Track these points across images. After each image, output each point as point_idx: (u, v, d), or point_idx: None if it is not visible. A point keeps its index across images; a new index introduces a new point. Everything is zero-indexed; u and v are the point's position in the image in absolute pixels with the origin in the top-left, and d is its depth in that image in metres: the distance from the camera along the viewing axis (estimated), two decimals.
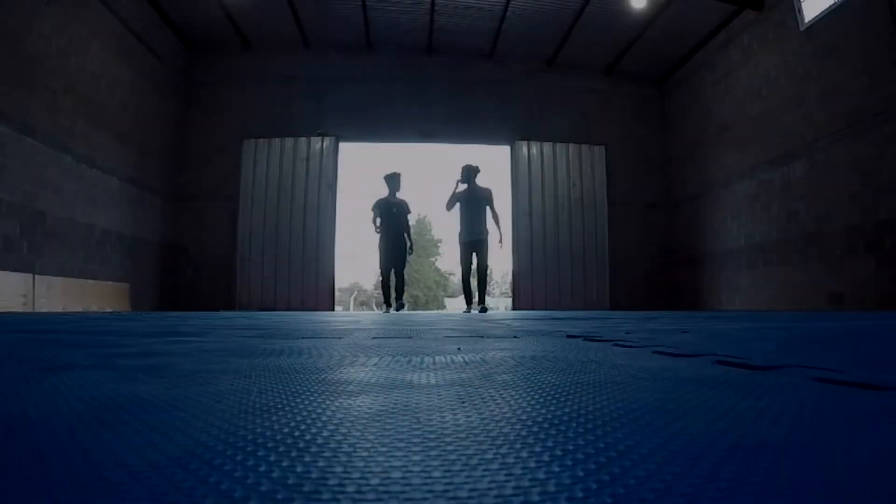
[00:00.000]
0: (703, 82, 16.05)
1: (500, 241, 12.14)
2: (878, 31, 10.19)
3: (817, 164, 11.79)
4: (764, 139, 13.47)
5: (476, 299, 12.45)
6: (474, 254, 11.99)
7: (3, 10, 9.49)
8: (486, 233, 11.96)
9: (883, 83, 10.19)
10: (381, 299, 12.56)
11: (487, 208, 12.11)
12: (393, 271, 12.58)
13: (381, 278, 12.91)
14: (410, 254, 12.75)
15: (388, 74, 17.06)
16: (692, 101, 16.64)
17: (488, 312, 11.29)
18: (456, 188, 12.08)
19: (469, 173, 11.92)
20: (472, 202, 11.90)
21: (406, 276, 12.73)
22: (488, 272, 12.71)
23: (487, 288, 12.77)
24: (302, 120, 16.70)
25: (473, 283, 12.49)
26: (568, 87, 17.42)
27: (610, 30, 15.50)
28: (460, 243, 12.11)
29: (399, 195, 12.49)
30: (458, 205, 12.14)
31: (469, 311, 11.68)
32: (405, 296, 13.51)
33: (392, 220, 12.26)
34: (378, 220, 12.30)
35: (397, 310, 12.41)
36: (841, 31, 11.13)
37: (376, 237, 12.43)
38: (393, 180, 12.49)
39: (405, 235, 12.55)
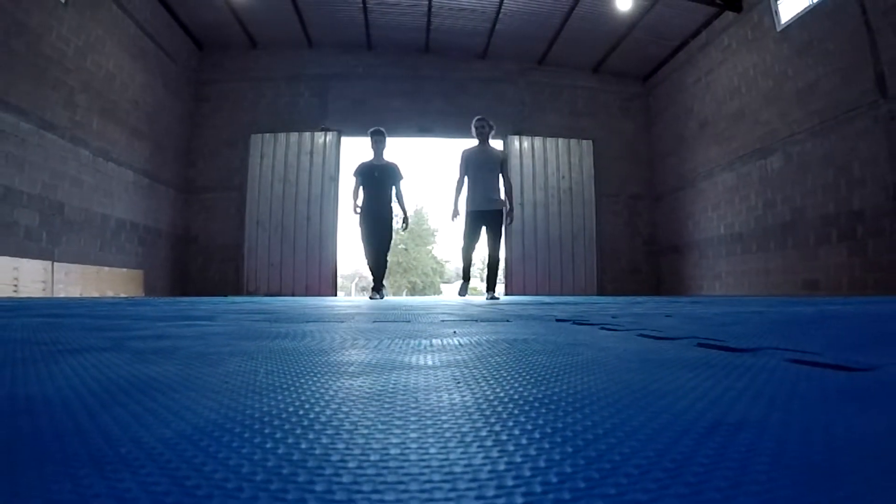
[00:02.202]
0: (686, 80, 16.08)
1: (510, 217, 9.61)
2: (850, 31, 10.21)
3: (793, 157, 11.83)
4: (743, 134, 13.52)
5: (475, 286, 9.97)
6: (484, 228, 9.42)
7: (23, 11, 9.51)
8: (503, 205, 9.49)
9: (855, 81, 10.21)
10: (378, 285, 10.49)
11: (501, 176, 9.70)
12: (378, 248, 10.13)
13: (367, 260, 10.36)
14: (405, 228, 10.60)
15: (387, 73, 17.12)
16: (675, 98, 16.68)
17: (498, 300, 8.73)
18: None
19: (483, 128, 9.54)
20: (485, 165, 9.47)
21: (390, 259, 10.42)
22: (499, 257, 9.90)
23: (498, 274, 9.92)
24: (306, 116, 16.75)
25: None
26: (557, 84, 17.46)
27: (597, 30, 15.52)
28: (467, 213, 9.49)
29: (387, 157, 10.11)
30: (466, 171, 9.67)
31: (465, 294, 9.73)
32: (388, 282, 11.27)
33: (374, 187, 9.92)
34: (360, 189, 9.99)
35: (379, 297, 9.99)
36: (815, 31, 11.15)
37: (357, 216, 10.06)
38: (374, 139, 10.04)
39: (391, 206, 10.13)
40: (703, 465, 0.45)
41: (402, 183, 10.10)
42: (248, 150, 16.39)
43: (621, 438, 0.54)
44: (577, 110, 17.56)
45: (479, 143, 9.57)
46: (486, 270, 9.80)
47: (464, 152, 9.60)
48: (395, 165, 10.09)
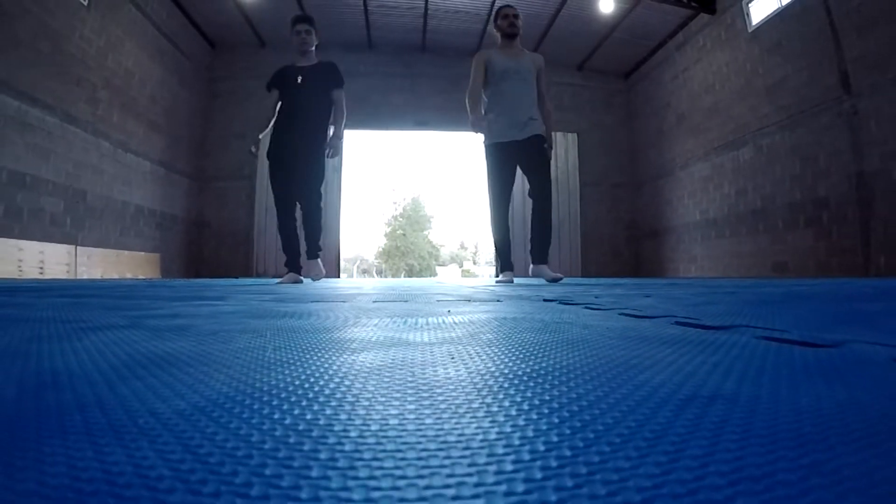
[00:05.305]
0: (664, 77, 16.13)
1: (548, 149, 6.11)
2: (816, 32, 10.23)
3: (763, 149, 11.88)
4: (716, 127, 13.58)
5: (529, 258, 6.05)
6: (518, 168, 6.14)
7: (48, 13, 9.55)
8: (543, 127, 6.17)
9: (820, 78, 10.25)
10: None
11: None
12: (297, 202, 6.41)
13: (279, 221, 6.49)
14: (332, 155, 6.37)
15: (386, 71, 17.19)
16: (654, 94, 16.73)
17: (561, 278, 6.16)
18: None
19: (513, 18, 6.20)
20: (515, 72, 6.10)
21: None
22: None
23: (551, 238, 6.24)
24: None
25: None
26: None
27: (581, 31, 15.56)
28: (489, 147, 6.14)
29: (317, 56, 6.62)
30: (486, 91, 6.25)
31: (508, 279, 6.21)
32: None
33: (298, 97, 6.31)
34: (275, 109, 6.52)
35: (311, 277, 6.62)
36: (784, 32, 11.18)
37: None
38: (295, 29, 6.46)
39: (324, 128, 6.44)
40: (680, 435, 0.45)
41: (341, 92, 6.52)
42: (256, 142, 16.43)
43: (604, 410, 0.54)
44: (562, 105, 17.58)
45: (503, 40, 6.30)
46: (528, 233, 6.35)
47: (479, 54, 6.32)
48: (332, 65, 6.60)
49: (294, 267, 6.46)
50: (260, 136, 6.72)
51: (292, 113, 6.32)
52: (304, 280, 6.54)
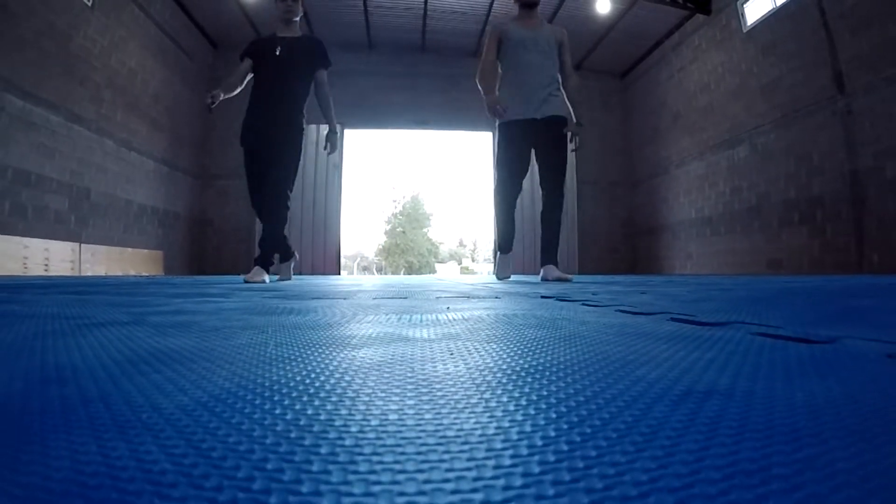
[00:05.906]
0: (660, 76, 16.13)
1: (576, 128, 5.54)
2: (810, 32, 10.24)
3: (758, 148, 11.89)
4: (712, 126, 13.58)
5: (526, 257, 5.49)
6: (534, 152, 5.54)
7: (53, 14, 9.56)
8: (566, 108, 5.55)
9: (814, 78, 10.26)
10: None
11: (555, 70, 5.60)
12: (266, 189, 5.63)
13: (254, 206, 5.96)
14: (330, 151, 5.88)
15: (386, 70, 17.17)
16: (650, 93, 16.73)
17: (569, 280, 5.47)
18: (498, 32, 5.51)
19: None
20: (535, 44, 5.37)
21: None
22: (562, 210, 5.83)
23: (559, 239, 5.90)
24: (312, 110, 16.68)
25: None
26: None
27: (578, 31, 15.53)
28: (499, 126, 5.56)
29: (301, 29, 5.78)
30: (501, 63, 5.52)
31: (506, 276, 5.96)
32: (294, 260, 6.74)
33: (276, 72, 5.44)
34: (244, 79, 5.58)
35: (264, 279, 5.36)
36: (778, 32, 11.19)
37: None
38: None
39: (301, 110, 5.65)
40: (676, 430, 0.45)
41: (326, 74, 5.68)
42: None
43: (601, 405, 0.54)
44: None
45: (521, 10, 5.52)
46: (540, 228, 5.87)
47: (493, 26, 5.59)
48: (317, 41, 5.81)
49: (258, 260, 5.52)
50: (221, 95, 5.48)
51: (266, 90, 5.44)
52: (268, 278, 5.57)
